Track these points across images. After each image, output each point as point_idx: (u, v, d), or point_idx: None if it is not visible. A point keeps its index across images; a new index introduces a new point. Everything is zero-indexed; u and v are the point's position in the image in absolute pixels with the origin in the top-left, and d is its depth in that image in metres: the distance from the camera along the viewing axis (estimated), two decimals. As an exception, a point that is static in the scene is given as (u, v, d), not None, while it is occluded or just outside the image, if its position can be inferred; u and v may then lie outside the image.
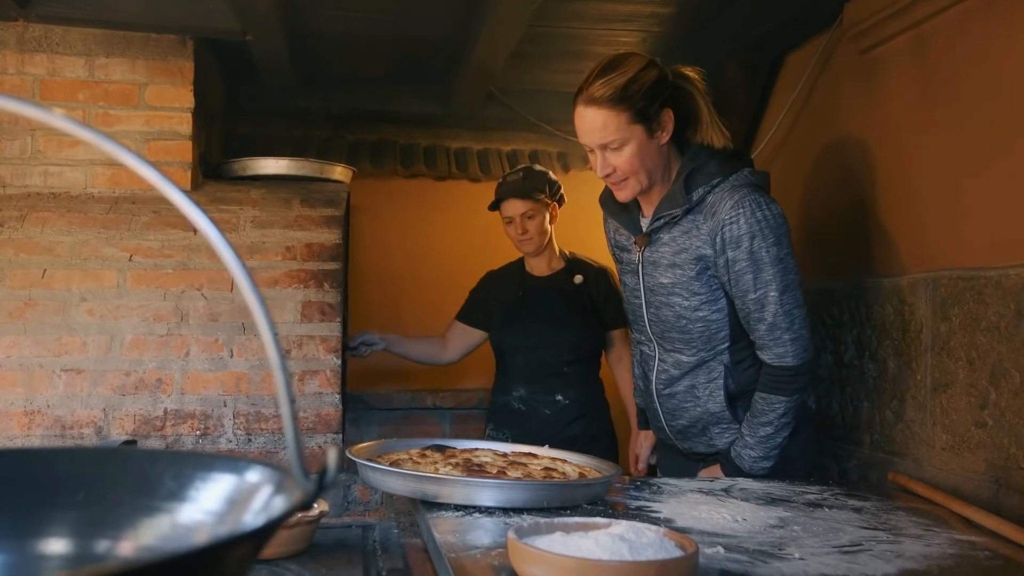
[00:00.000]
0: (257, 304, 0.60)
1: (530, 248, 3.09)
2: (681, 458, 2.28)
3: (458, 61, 3.33)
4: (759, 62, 3.10)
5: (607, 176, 2.04)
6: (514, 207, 3.04)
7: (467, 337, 3.26)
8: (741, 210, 1.96)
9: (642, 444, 2.73)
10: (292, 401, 0.62)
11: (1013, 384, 1.90)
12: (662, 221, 2.06)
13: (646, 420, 2.44)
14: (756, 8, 2.75)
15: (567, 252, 3.23)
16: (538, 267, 3.19)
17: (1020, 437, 1.88)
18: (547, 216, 3.08)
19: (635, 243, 2.16)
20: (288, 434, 0.62)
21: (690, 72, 2.06)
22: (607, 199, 2.21)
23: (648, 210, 2.13)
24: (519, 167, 3.21)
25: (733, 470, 2.09)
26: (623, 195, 2.08)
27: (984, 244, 2.03)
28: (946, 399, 2.13)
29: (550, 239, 3.13)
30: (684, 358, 2.13)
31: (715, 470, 2.14)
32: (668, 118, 2.00)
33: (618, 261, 2.30)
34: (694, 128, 2.07)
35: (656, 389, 2.21)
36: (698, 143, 2.06)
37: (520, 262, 3.24)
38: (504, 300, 3.17)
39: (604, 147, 1.98)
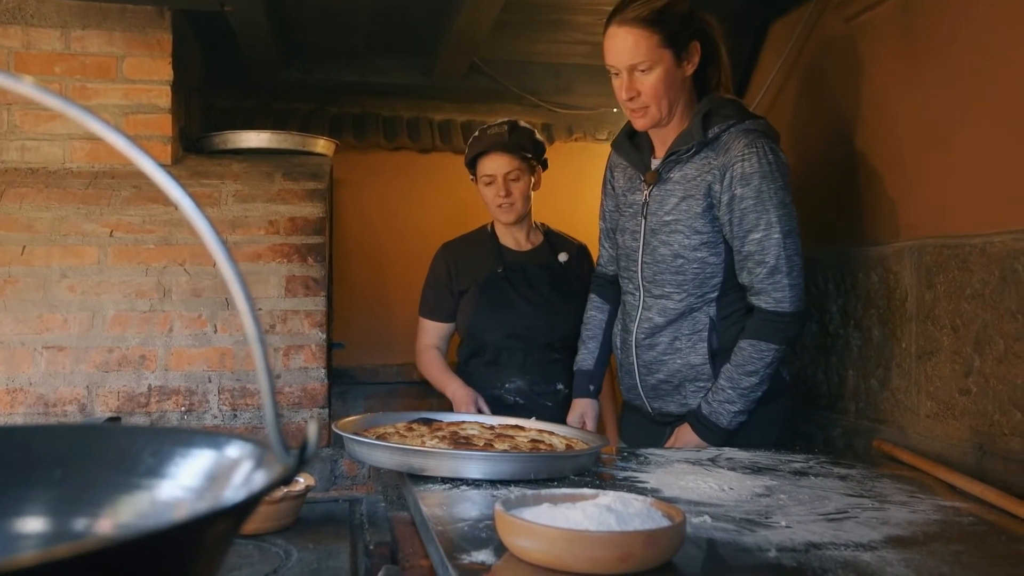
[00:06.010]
0: (232, 274, 0.58)
1: (511, 216, 2.70)
2: (647, 422, 2.27)
3: (441, 32, 3.29)
4: (744, 30, 3.08)
5: (630, 100, 2.08)
6: (497, 163, 2.65)
7: (449, 336, 2.86)
8: (754, 150, 2.02)
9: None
10: (271, 375, 0.61)
11: (997, 351, 1.91)
12: (675, 157, 2.12)
13: (582, 388, 2.42)
14: (741, -25, 2.73)
15: (542, 224, 2.88)
16: (516, 240, 2.80)
17: (1004, 404, 1.89)
18: (531, 180, 2.71)
19: (644, 181, 2.20)
20: (267, 408, 0.61)
21: (711, 19, 2.14)
22: (621, 141, 2.28)
23: (661, 150, 2.19)
24: (501, 120, 2.76)
25: (706, 430, 2.06)
26: (641, 123, 2.13)
27: (969, 211, 2.03)
28: (931, 367, 2.14)
29: (530, 209, 2.76)
30: (671, 304, 2.14)
31: (685, 430, 2.10)
32: (696, 50, 2.09)
33: (616, 208, 2.33)
34: (714, 67, 2.15)
35: (636, 340, 2.21)
36: (716, 88, 2.16)
37: (488, 234, 2.83)
38: (478, 277, 2.74)
39: (632, 68, 2.04)
